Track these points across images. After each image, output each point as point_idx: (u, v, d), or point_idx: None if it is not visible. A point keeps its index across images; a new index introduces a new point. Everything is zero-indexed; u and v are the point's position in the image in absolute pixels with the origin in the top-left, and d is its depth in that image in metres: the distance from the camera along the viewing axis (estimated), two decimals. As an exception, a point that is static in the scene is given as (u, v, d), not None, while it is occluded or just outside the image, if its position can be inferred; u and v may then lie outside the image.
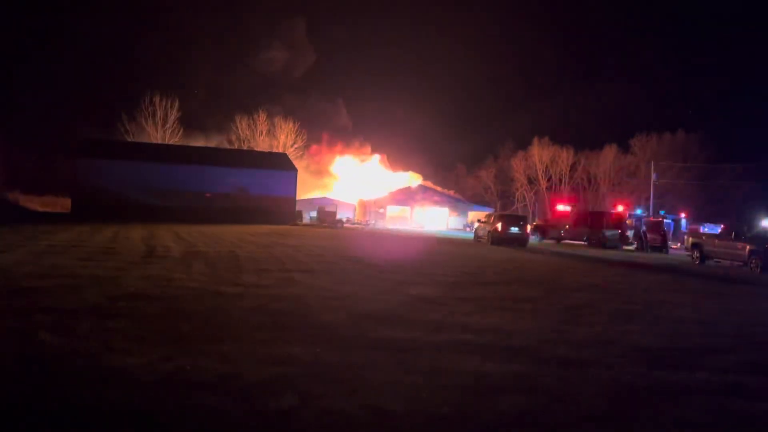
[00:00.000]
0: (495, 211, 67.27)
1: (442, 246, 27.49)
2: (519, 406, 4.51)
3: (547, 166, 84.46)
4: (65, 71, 73.25)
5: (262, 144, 63.00)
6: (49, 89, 70.82)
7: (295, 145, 65.05)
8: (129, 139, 59.61)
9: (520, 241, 30.82)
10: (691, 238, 26.30)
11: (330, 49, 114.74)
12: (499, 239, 30.51)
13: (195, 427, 3.81)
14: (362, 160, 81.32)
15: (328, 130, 78.75)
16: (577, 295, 11.25)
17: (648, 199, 58.10)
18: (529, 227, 32.83)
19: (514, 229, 31.21)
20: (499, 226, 30.98)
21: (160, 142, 59.60)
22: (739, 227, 23.02)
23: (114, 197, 42.47)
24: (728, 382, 5.49)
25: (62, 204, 51.55)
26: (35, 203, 52.83)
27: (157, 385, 4.47)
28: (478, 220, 35.75)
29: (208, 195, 45.06)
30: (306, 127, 68.94)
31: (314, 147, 75.39)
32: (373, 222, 60.66)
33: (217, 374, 4.84)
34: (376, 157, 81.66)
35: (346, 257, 16.96)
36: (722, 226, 27.97)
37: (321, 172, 76.23)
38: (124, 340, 5.80)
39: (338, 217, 56.03)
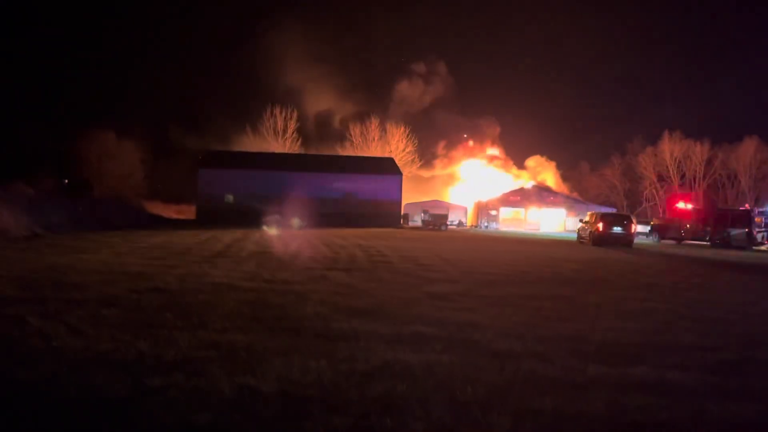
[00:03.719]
0: (617, 211, 63.93)
1: (533, 247, 26.72)
2: (393, 391, 4.56)
3: (679, 162, 78.65)
4: (199, 88, 79.73)
5: (374, 150, 64.62)
6: (185, 103, 77.32)
7: (407, 149, 65.97)
8: (252, 150, 63.64)
9: (624, 241, 29.32)
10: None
11: (451, 50, 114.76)
12: (600, 239, 29.25)
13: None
14: (483, 158, 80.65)
15: (452, 132, 79.14)
16: (611, 294, 10.70)
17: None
18: (634, 227, 30.95)
19: (618, 229, 29.73)
20: (600, 226, 29.66)
21: (280, 151, 63.08)
22: None
23: (231, 204, 45.77)
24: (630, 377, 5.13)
25: (193, 212, 56.24)
26: (171, 211, 58.00)
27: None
28: (581, 221, 34.37)
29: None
30: (424, 129, 70.04)
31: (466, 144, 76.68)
32: (485, 224, 60.01)
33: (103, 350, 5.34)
34: (494, 152, 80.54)
35: (408, 258, 17.12)
36: None
37: (437, 177, 76.59)
38: (97, 326, 6.48)
39: (450, 219, 56.10)
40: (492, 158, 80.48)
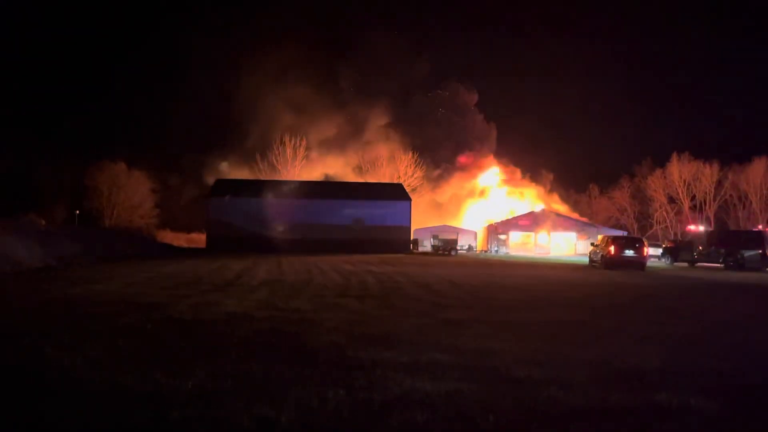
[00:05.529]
0: (628, 234, 63.65)
1: (545, 271, 26.57)
2: (414, 421, 4.51)
3: (688, 184, 78.31)
4: (209, 118, 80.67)
5: (382, 175, 64.96)
6: (195, 133, 78.21)
7: (415, 175, 66.28)
8: (263, 177, 64.11)
9: (637, 264, 29.07)
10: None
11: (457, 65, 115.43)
12: (612, 263, 29.04)
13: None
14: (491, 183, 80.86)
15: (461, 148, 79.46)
16: (627, 318, 10.60)
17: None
18: (646, 249, 30.74)
19: (629, 252, 29.55)
20: (611, 249, 29.48)
21: (289, 179, 63.52)
22: None
23: (241, 232, 45.96)
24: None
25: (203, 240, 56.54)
26: (181, 240, 58.39)
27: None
28: (592, 244, 34.21)
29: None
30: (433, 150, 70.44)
31: (463, 158, 76.80)
32: (495, 249, 59.82)
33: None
34: (495, 171, 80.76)
35: (420, 284, 17.07)
36: None
37: (446, 202, 76.64)
38: (114, 357, 6.47)
39: (459, 244, 56.00)
40: (501, 181, 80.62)
